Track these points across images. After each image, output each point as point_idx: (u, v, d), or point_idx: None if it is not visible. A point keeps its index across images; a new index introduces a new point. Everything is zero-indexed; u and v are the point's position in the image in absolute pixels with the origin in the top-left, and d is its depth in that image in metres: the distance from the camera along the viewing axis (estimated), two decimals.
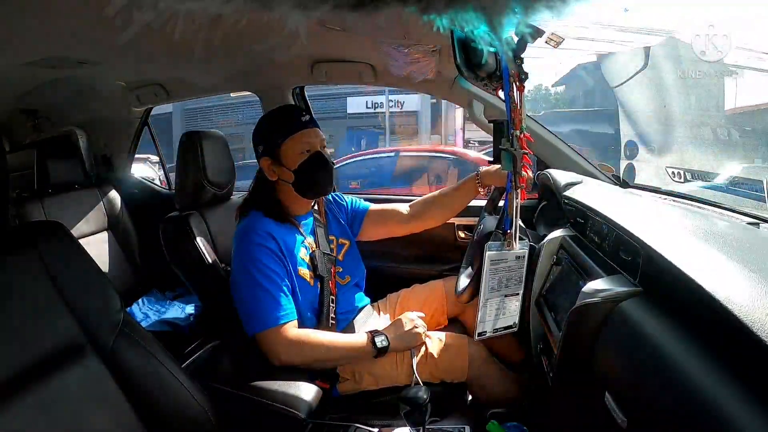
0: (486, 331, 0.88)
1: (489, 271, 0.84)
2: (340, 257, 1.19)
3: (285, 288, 1.01)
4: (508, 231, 0.84)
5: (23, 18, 0.85)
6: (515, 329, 0.92)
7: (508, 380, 1.11)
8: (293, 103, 1.64)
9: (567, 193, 1.05)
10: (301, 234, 1.11)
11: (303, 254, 1.08)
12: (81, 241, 0.76)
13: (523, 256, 0.88)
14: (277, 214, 1.08)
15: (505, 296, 0.88)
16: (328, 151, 1.13)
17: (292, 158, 1.06)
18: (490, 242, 0.84)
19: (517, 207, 0.81)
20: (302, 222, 1.13)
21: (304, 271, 1.07)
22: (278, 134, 1.07)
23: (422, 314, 1.12)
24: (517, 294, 0.89)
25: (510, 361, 1.19)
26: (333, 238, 1.20)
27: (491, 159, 0.88)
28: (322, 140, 1.10)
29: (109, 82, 1.71)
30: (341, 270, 1.18)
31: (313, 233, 1.15)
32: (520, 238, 0.86)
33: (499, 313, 0.88)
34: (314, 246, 1.12)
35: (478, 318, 0.87)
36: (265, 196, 1.11)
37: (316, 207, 1.20)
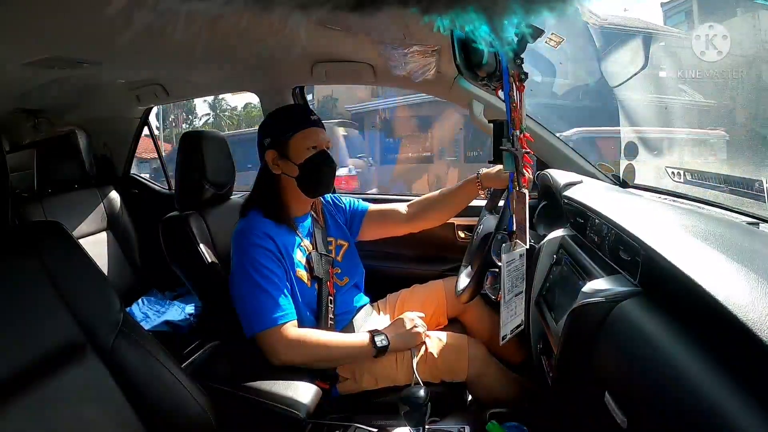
0: (507, 335, 0.87)
1: (506, 273, 0.83)
2: (338, 258, 1.19)
3: (284, 288, 1.01)
4: (513, 231, 0.84)
5: (23, 18, 0.85)
6: (522, 327, 0.92)
7: (508, 380, 1.12)
8: (293, 103, 1.64)
9: (567, 193, 1.05)
10: (298, 236, 1.11)
11: (299, 256, 1.09)
12: (81, 241, 0.76)
13: (524, 254, 0.88)
14: (275, 215, 1.08)
15: (516, 296, 0.88)
16: None
17: (299, 152, 1.07)
18: (503, 245, 0.84)
19: (526, 205, 0.80)
20: (300, 224, 1.13)
21: (301, 273, 1.07)
22: (288, 127, 1.08)
23: (422, 314, 1.12)
24: (522, 291, 0.89)
25: (510, 361, 1.19)
26: (332, 239, 1.20)
27: (491, 159, 0.88)
28: (327, 142, 1.11)
29: (109, 82, 1.71)
30: (339, 271, 1.18)
31: (311, 235, 1.15)
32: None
33: (512, 313, 0.88)
34: (311, 248, 1.12)
35: (501, 323, 0.85)
36: (267, 192, 1.11)
37: (314, 208, 1.20)
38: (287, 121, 1.09)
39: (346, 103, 11.69)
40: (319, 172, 1.08)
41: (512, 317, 0.88)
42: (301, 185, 1.09)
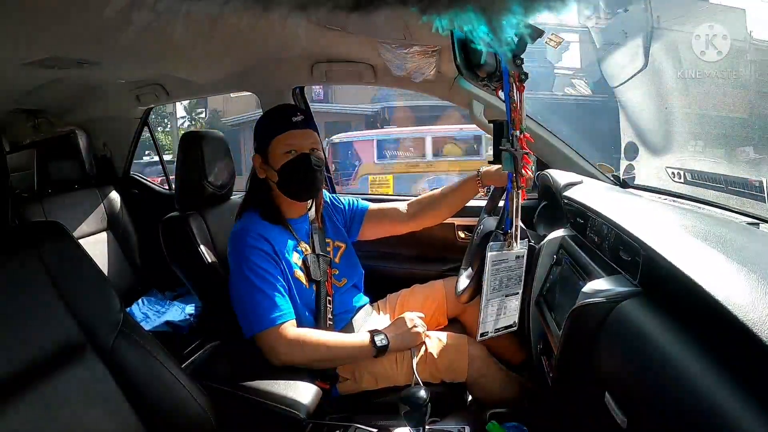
0: (488, 332, 0.88)
1: (491, 271, 0.84)
2: (336, 260, 1.19)
3: (281, 288, 1.01)
4: (509, 231, 0.84)
5: (23, 18, 0.85)
6: (515, 328, 0.92)
7: (508, 380, 1.11)
8: (293, 103, 1.63)
9: (567, 193, 1.05)
10: (295, 238, 1.10)
11: (296, 258, 1.08)
12: (81, 241, 0.76)
13: (523, 256, 0.88)
14: (270, 216, 1.08)
15: (506, 296, 0.88)
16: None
17: (277, 157, 1.06)
18: (491, 243, 0.84)
19: (517, 207, 0.81)
20: (297, 225, 1.13)
21: (299, 274, 1.07)
22: (268, 133, 1.07)
23: (422, 314, 1.12)
24: (517, 293, 0.89)
25: (510, 362, 1.19)
26: (329, 240, 1.20)
27: (491, 159, 0.88)
28: (313, 142, 1.09)
29: (109, 82, 1.71)
30: (337, 272, 1.18)
31: (308, 237, 1.15)
32: (520, 238, 0.86)
33: (500, 312, 0.88)
34: (308, 250, 1.12)
35: (480, 319, 0.86)
36: (258, 195, 1.11)
37: (313, 210, 1.19)
38: (268, 126, 1.09)
39: (232, 114, 12.01)
40: (296, 177, 1.07)
41: (499, 317, 0.88)
42: (282, 190, 1.09)
